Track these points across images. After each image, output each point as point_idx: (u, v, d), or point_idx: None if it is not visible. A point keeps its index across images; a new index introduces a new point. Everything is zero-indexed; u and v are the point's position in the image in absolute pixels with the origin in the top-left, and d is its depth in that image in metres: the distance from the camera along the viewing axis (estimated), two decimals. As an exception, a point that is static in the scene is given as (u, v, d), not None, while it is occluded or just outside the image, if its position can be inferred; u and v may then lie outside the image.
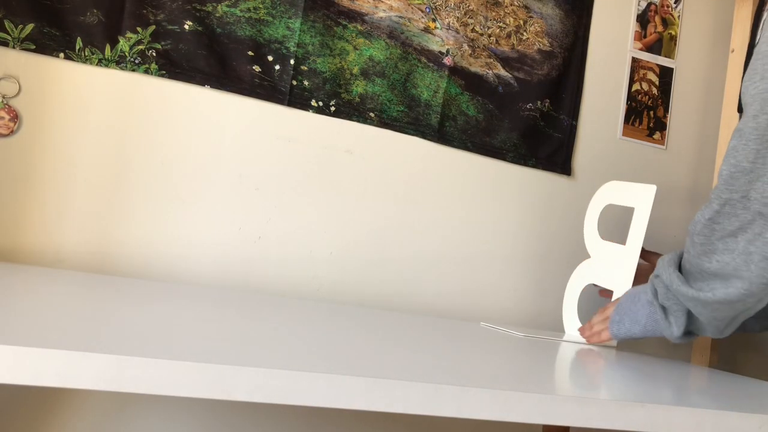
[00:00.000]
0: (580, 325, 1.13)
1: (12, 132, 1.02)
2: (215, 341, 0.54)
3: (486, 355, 0.77)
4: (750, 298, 0.80)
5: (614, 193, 1.12)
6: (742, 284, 0.79)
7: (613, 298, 1.06)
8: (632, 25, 1.46)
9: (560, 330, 1.23)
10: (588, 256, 1.17)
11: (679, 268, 0.89)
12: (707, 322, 0.87)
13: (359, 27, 1.22)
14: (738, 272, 0.79)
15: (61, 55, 1.05)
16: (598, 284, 1.11)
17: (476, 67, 1.31)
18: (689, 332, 0.91)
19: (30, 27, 1.03)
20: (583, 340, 1.08)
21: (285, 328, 0.72)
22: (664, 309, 0.91)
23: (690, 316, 0.88)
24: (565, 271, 1.38)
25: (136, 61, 1.08)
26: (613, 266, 1.07)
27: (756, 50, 0.78)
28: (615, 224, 1.26)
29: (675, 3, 1.50)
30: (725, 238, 0.80)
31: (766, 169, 0.75)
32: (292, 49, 1.18)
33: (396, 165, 1.26)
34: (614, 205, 1.15)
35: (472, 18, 1.31)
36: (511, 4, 1.34)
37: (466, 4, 1.31)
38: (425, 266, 1.28)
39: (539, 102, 1.36)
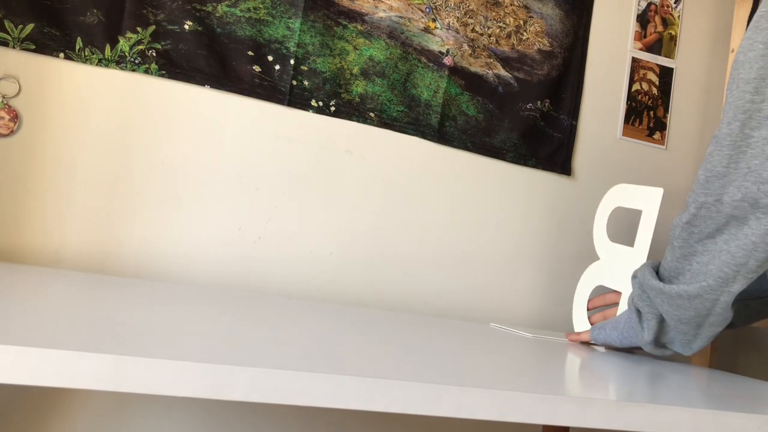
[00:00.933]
0: (589, 326, 1.13)
1: (12, 132, 1.03)
2: (214, 341, 0.54)
3: (490, 356, 0.77)
4: (708, 294, 0.81)
5: (622, 195, 1.13)
6: (703, 278, 0.81)
7: (621, 298, 1.07)
8: (632, 25, 1.46)
9: (570, 331, 1.23)
10: (589, 256, 1.18)
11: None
12: (674, 326, 0.88)
13: (359, 27, 1.22)
14: (706, 268, 0.81)
15: (61, 55, 1.05)
16: (607, 286, 1.11)
17: (476, 67, 1.31)
18: (662, 345, 0.92)
19: (30, 27, 1.03)
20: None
21: (284, 328, 0.72)
22: (639, 313, 0.92)
23: (661, 322, 0.90)
24: (566, 270, 1.38)
25: (136, 61, 1.08)
26: (621, 268, 1.08)
27: (734, 59, 0.80)
28: (620, 226, 1.26)
29: (675, 3, 1.50)
30: (704, 240, 0.82)
31: (738, 174, 0.78)
32: (292, 49, 1.18)
33: (396, 165, 1.26)
34: (621, 208, 1.16)
35: (472, 18, 1.31)
36: (511, 4, 1.34)
37: (466, 4, 1.31)
38: (424, 266, 1.28)
39: (539, 102, 1.36)
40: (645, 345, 0.92)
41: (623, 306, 1.05)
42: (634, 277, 0.94)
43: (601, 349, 1.03)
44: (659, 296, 0.87)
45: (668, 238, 0.89)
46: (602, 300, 1.12)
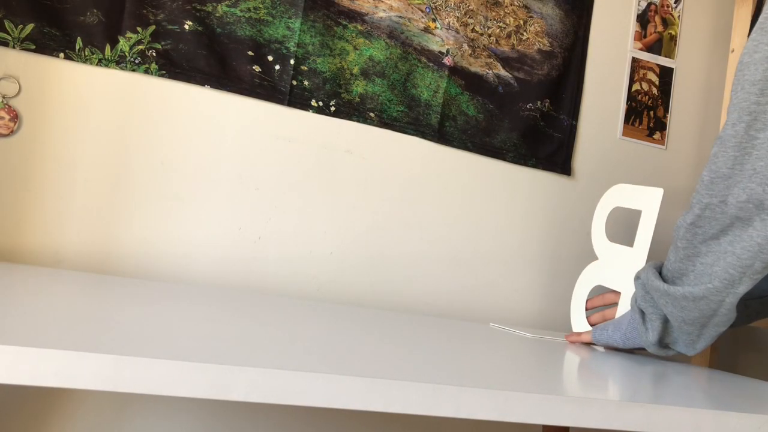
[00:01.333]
0: (588, 326, 1.13)
1: (12, 132, 1.03)
2: (214, 341, 0.54)
3: (490, 356, 0.77)
4: (714, 295, 0.81)
5: (621, 196, 1.13)
6: (708, 280, 0.81)
7: (620, 298, 1.07)
8: (632, 25, 1.46)
9: (570, 331, 1.23)
10: (589, 256, 1.18)
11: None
12: (678, 327, 0.88)
13: (359, 27, 1.22)
14: (711, 269, 0.81)
15: (61, 55, 1.05)
16: (605, 286, 1.11)
17: (476, 67, 1.31)
18: (666, 345, 0.92)
19: (30, 27, 1.03)
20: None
21: (284, 327, 0.72)
22: (642, 314, 0.92)
23: (665, 323, 0.90)
24: (566, 270, 1.38)
25: (136, 61, 1.08)
26: (620, 268, 1.08)
27: (739, 60, 0.80)
28: (620, 226, 1.26)
29: (675, 3, 1.50)
30: (708, 241, 0.82)
31: (744, 175, 0.78)
32: (292, 49, 1.18)
33: (396, 165, 1.26)
34: (620, 208, 1.16)
35: (472, 18, 1.31)
36: (511, 4, 1.34)
37: (466, 4, 1.31)
38: (424, 266, 1.28)
39: (539, 102, 1.36)
40: (649, 346, 0.92)
41: (622, 306, 1.05)
42: (637, 278, 0.94)
43: (601, 349, 1.03)
44: (663, 297, 0.87)
45: (668, 238, 0.89)
46: (601, 300, 1.11)
